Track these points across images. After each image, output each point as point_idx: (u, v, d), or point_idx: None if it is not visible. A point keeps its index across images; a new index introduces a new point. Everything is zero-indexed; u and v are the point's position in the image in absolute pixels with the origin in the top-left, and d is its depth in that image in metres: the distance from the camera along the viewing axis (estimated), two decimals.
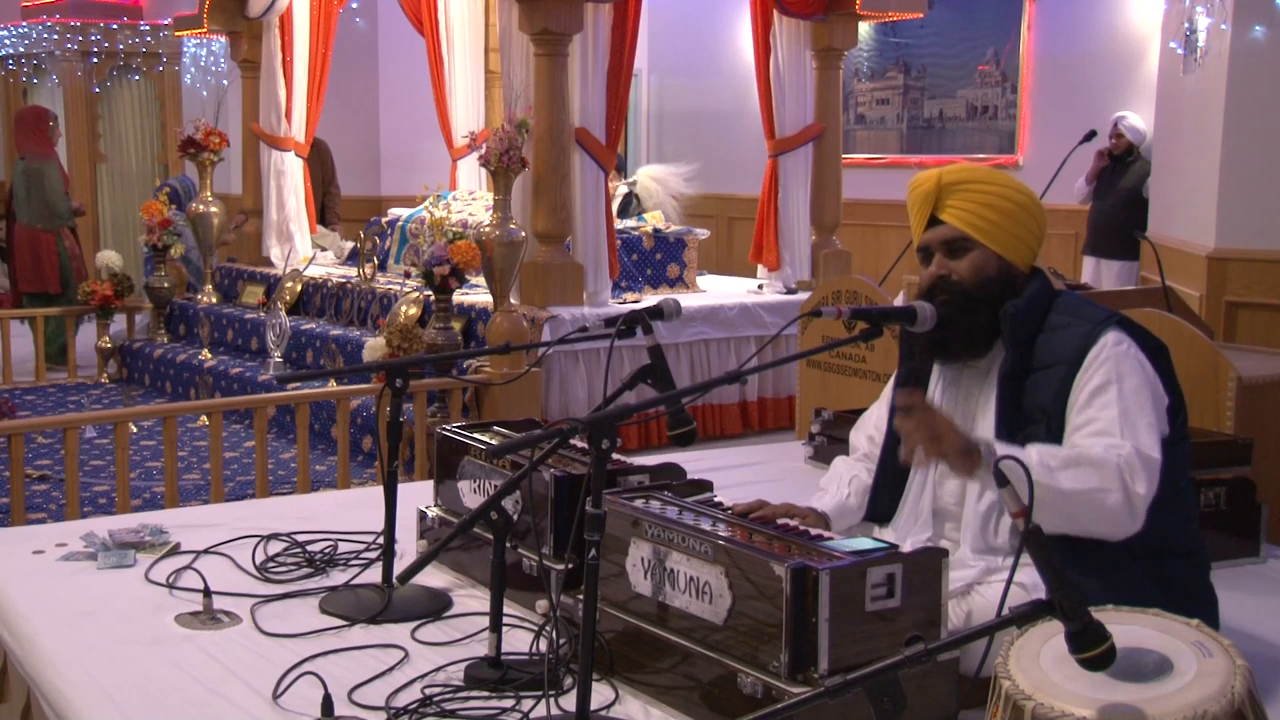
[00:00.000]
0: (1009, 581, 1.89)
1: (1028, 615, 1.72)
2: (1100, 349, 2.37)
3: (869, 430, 2.82)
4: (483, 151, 6.55)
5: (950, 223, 2.46)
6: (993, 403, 2.46)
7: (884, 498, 2.65)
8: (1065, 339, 2.41)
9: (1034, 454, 2.22)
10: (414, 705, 2.22)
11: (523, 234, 6.61)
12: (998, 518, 2.44)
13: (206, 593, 2.67)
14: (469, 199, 8.17)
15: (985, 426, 2.48)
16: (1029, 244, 2.50)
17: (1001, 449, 2.21)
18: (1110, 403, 2.32)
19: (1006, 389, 2.43)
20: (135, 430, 6.58)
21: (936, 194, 2.47)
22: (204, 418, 6.37)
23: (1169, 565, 2.38)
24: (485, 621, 2.41)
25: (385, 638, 2.54)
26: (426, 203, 8.04)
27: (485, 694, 2.28)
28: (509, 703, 2.24)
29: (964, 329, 2.46)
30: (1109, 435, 2.29)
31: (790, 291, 7.85)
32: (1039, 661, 1.78)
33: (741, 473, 3.92)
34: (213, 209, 8.69)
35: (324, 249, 9.13)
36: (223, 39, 9.62)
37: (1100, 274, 7.84)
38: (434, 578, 2.86)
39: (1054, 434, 2.37)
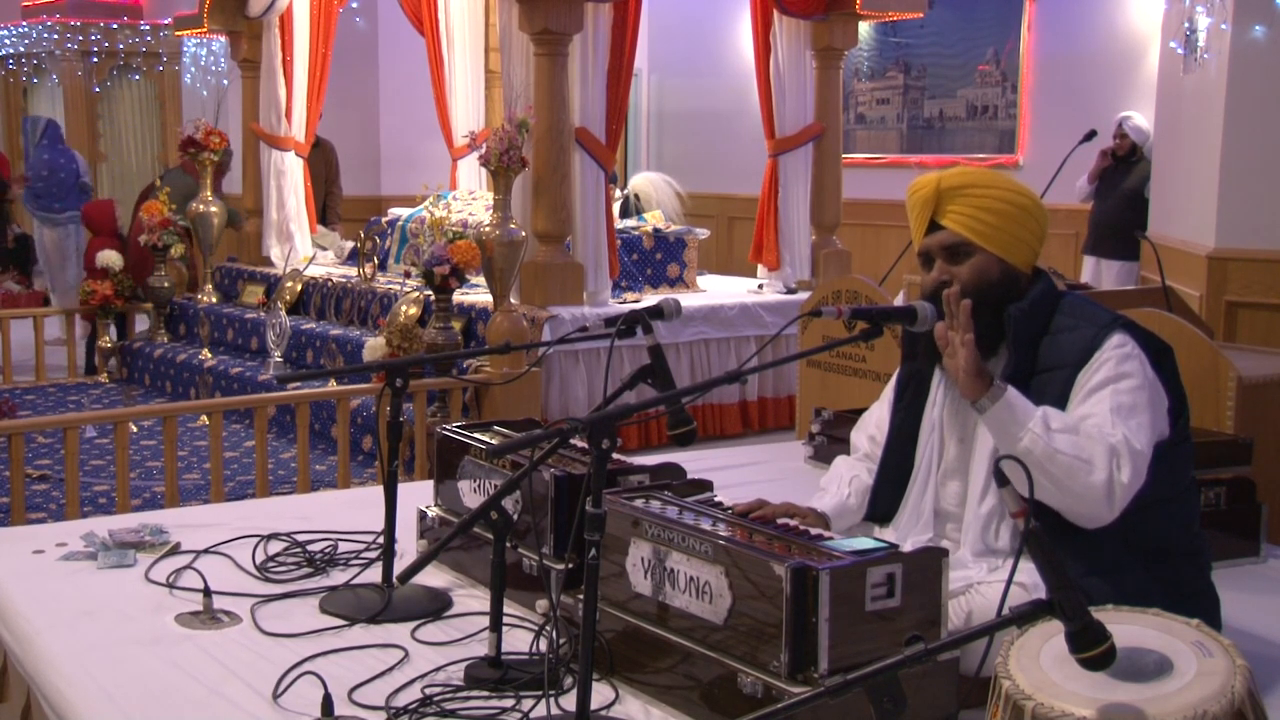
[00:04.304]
0: (1009, 581, 1.89)
1: (1028, 615, 1.72)
2: (1103, 350, 2.37)
3: (870, 430, 2.81)
4: (483, 151, 6.55)
5: (950, 228, 2.45)
6: None
7: (885, 498, 2.65)
8: (1070, 342, 2.41)
9: (1041, 410, 2.29)
10: (414, 705, 2.22)
11: (523, 234, 6.61)
12: (999, 521, 2.44)
13: (206, 592, 2.67)
14: (469, 199, 8.17)
15: (984, 430, 2.48)
16: (1030, 245, 2.49)
17: (1014, 393, 2.28)
18: (1105, 399, 2.33)
19: None
20: (135, 430, 6.58)
21: (935, 199, 2.46)
22: (204, 417, 6.37)
23: (1171, 565, 2.38)
24: (485, 621, 2.41)
25: (385, 638, 2.53)
26: (426, 202, 8.04)
27: (485, 694, 2.28)
28: (509, 703, 2.24)
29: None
30: (1101, 428, 2.30)
31: (790, 291, 7.85)
32: (1039, 661, 1.78)
33: (741, 473, 3.92)
34: (213, 209, 8.69)
35: (324, 249, 9.13)
36: (223, 39, 9.63)
37: (1100, 274, 7.83)
38: (434, 578, 2.86)
39: None
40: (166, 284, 8.69)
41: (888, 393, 2.78)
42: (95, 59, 12.17)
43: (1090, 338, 2.39)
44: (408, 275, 7.61)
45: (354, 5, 10.28)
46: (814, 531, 2.33)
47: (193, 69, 11.85)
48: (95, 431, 6.62)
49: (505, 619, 2.38)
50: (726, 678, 2.11)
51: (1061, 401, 2.37)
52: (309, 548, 3.04)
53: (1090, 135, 7.98)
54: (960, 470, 2.53)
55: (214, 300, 8.84)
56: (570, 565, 2.43)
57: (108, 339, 8.64)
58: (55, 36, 12.06)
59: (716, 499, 2.58)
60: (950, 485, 2.55)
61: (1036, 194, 2.56)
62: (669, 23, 11.24)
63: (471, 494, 2.88)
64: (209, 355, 8.04)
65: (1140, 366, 2.37)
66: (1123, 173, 7.87)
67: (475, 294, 6.96)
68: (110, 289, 8.46)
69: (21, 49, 12.60)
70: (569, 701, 2.17)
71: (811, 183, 8.14)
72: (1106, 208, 7.89)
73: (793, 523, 2.40)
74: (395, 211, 8.67)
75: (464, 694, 2.28)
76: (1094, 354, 2.37)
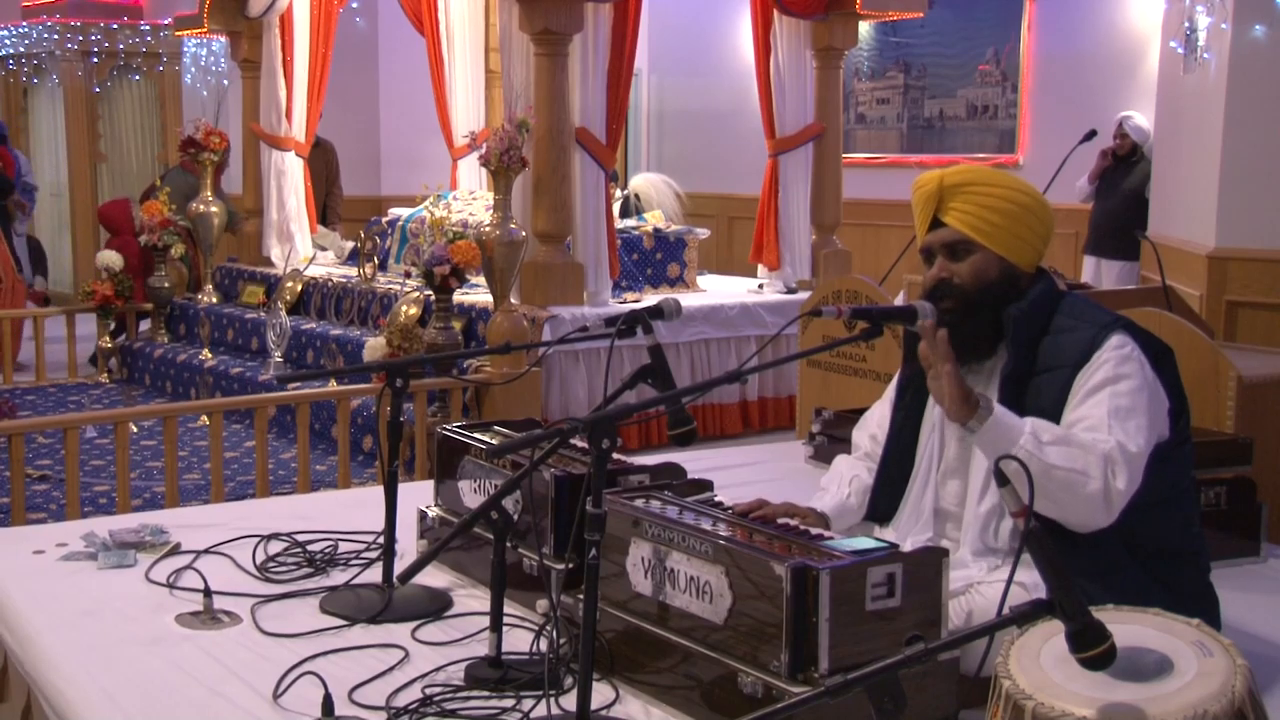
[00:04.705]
0: (1009, 581, 1.89)
1: (1028, 615, 1.72)
2: (1102, 351, 2.36)
3: (871, 429, 2.81)
4: (483, 151, 6.55)
5: (952, 225, 2.46)
6: None
7: (885, 497, 2.65)
8: (1070, 343, 2.40)
9: (1029, 424, 2.28)
10: (414, 705, 2.22)
11: (523, 234, 6.61)
12: (998, 521, 2.44)
13: (207, 593, 2.67)
14: (469, 199, 8.17)
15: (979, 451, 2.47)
16: (1033, 245, 2.49)
17: (1001, 411, 2.27)
18: (1103, 401, 2.32)
19: (1009, 391, 2.42)
20: (135, 430, 6.58)
21: (938, 195, 2.46)
22: (204, 418, 6.37)
23: (1171, 566, 2.38)
24: (485, 621, 2.41)
25: (385, 638, 2.54)
26: (427, 202, 8.04)
27: (485, 694, 2.28)
28: (509, 703, 2.24)
29: (966, 332, 2.46)
30: (1096, 431, 2.29)
31: (790, 291, 7.85)
32: (1039, 661, 1.78)
33: (741, 473, 3.92)
34: (213, 209, 8.69)
35: (324, 249, 9.13)
36: (223, 39, 9.62)
37: (1100, 274, 7.83)
38: (434, 578, 2.86)
39: None
40: (166, 284, 8.69)
41: (890, 391, 2.78)
42: (95, 59, 12.16)
43: (1090, 338, 2.39)
44: (408, 275, 7.61)
45: (354, 5, 10.28)
46: (814, 531, 2.33)
47: (193, 69, 11.84)
48: (95, 431, 6.62)
49: (505, 619, 2.38)
50: (727, 678, 2.11)
51: (1060, 402, 2.37)
52: (309, 548, 3.04)
53: (1090, 135, 7.98)
54: (960, 469, 2.53)
55: (214, 300, 8.83)
56: (570, 565, 2.43)
57: (108, 339, 8.64)
58: (55, 36, 12.05)
59: (716, 499, 2.58)
60: (950, 484, 2.55)
61: (1042, 194, 2.56)
62: (669, 23, 11.23)
63: (472, 494, 2.88)
64: (209, 355, 8.03)
65: (1139, 368, 2.36)
66: (1123, 173, 7.87)
67: (475, 294, 6.96)
68: (110, 289, 8.46)
69: (21, 49, 12.59)
70: (569, 701, 2.17)
71: (811, 183, 8.13)
72: (1108, 208, 7.88)
73: (793, 523, 2.40)
74: (395, 211, 8.67)
75: (464, 694, 2.28)
76: (1093, 354, 2.37)
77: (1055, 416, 2.37)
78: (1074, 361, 2.38)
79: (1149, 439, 2.33)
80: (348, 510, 3.41)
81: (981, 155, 9.30)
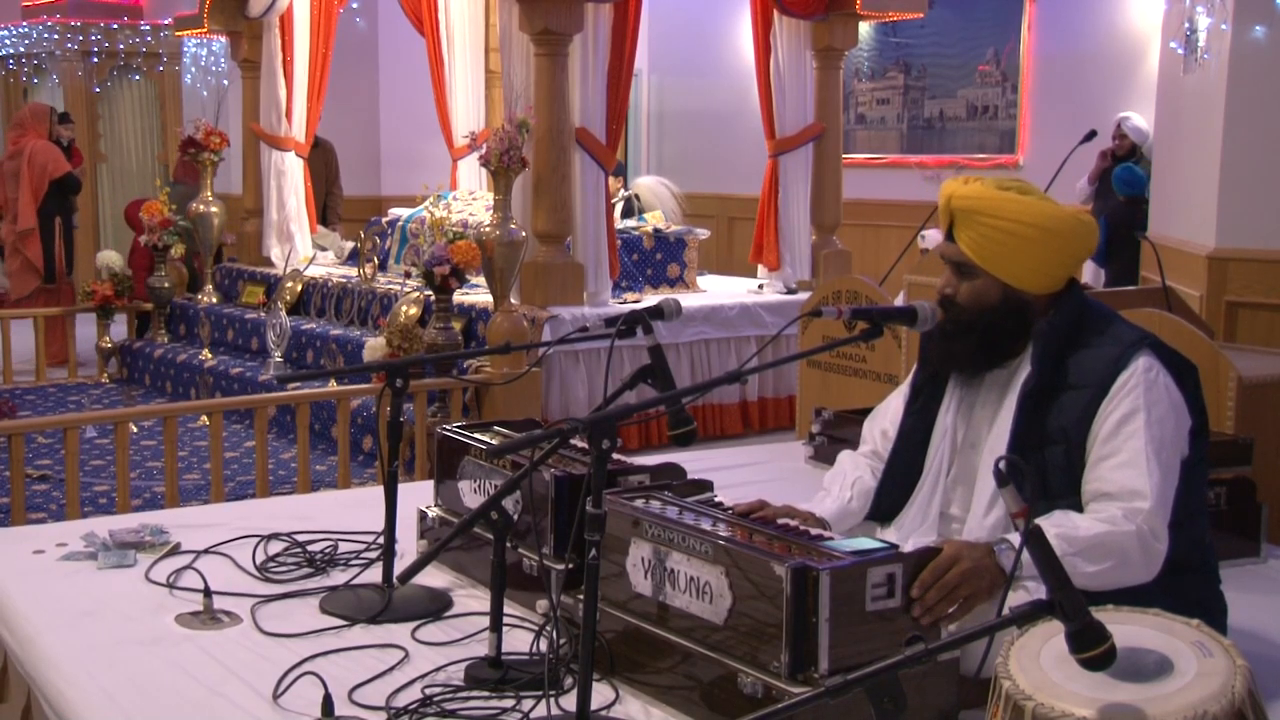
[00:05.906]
0: (1008, 582, 1.89)
1: (1028, 615, 1.72)
2: (1130, 375, 2.34)
3: (884, 424, 2.77)
4: (483, 151, 6.56)
5: (960, 245, 2.44)
6: (1008, 418, 2.43)
7: (890, 498, 2.63)
8: (1094, 360, 2.37)
9: (1051, 537, 2.21)
10: (414, 705, 2.22)
11: (523, 234, 6.61)
12: (1004, 533, 2.42)
13: (207, 593, 2.67)
14: (469, 199, 8.17)
15: (996, 440, 2.46)
16: (1047, 271, 2.44)
17: (1009, 551, 2.20)
18: (1137, 432, 2.29)
19: (1027, 406, 2.39)
20: (135, 430, 6.58)
21: (949, 214, 2.46)
22: (204, 418, 6.37)
23: (1181, 579, 2.35)
24: (485, 621, 2.41)
25: (385, 638, 2.53)
26: (427, 203, 8.04)
27: (485, 694, 2.28)
28: (509, 703, 2.24)
29: (962, 347, 2.46)
30: (1134, 468, 2.27)
31: (790, 291, 7.85)
32: (1039, 661, 1.78)
33: (741, 473, 3.92)
34: (213, 209, 8.69)
35: (324, 249, 9.13)
36: (223, 39, 9.63)
37: (1100, 274, 7.83)
38: (434, 578, 2.86)
39: (1072, 457, 2.35)
40: (166, 284, 8.69)
41: (904, 387, 2.76)
42: (95, 59, 12.17)
43: (1116, 358, 2.36)
44: (408, 275, 7.61)
45: (354, 5, 10.28)
46: (814, 532, 2.32)
47: (193, 69, 11.84)
48: (95, 431, 6.62)
49: (505, 619, 2.38)
50: (727, 678, 2.11)
51: (1082, 422, 2.34)
52: (309, 548, 3.04)
53: (1090, 135, 7.97)
54: (968, 478, 2.52)
55: (214, 300, 8.84)
56: (570, 565, 2.42)
57: (108, 339, 8.64)
58: (55, 36, 12.06)
59: (716, 499, 2.57)
60: (959, 490, 2.54)
61: (1070, 213, 2.45)
62: (669, 23, 11.24)
63: (472, 494, 2.88)
64: (209, 355, 8.03)
65: (1166, 393, 2.34)
66: None
67: (475, 294, 6.96)
68: (110, 289, 8.46)
69: (21, 49, 12.60)
70: (569, 702, 2.17)
71: (811, 183, 8.13)
72: (1107, 208, 7.88)
73: (793, 523, 2.39)
74: (395, 212, 8.67)
75: (464, 694, 2.28)
76: (1119, 376, 2.34)
77: (1077, 435, 2.35)
78: (1098, 381, 2.35)
79: (1177, 468, 2.33)
80: (348, 510, 3.40)
81: (981, 155, 9.30)
